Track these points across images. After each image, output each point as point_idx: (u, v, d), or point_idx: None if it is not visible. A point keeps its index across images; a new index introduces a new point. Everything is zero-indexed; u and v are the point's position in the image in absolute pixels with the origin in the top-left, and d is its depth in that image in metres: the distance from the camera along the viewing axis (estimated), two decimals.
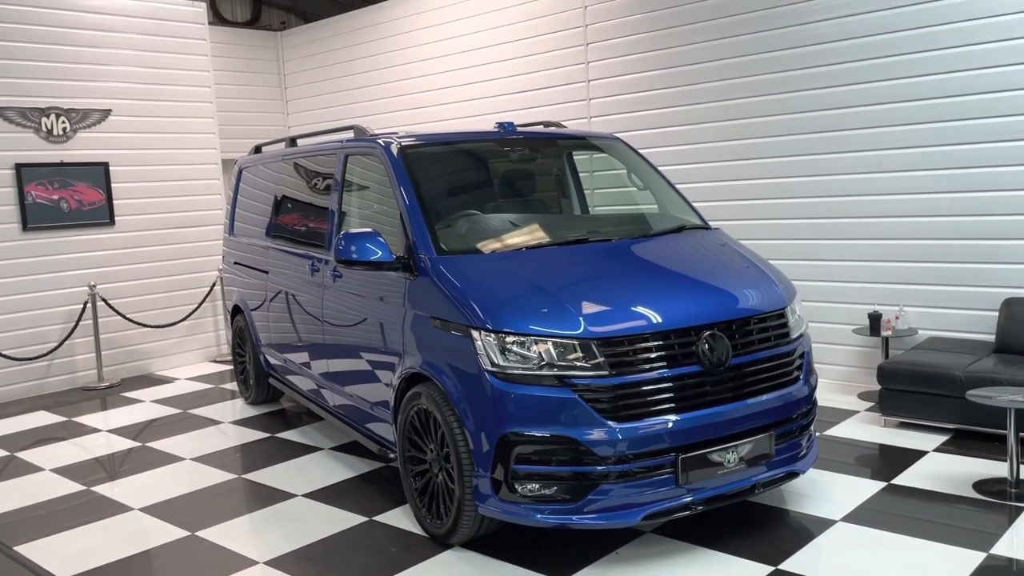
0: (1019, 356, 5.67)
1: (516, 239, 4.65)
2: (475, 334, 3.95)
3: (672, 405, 3.89)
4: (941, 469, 5.01)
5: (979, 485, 4.71)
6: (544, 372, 3.82)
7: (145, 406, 7.71)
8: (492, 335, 3.90)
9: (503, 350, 3.88)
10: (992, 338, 6.10)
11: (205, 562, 4.32)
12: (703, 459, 3.91)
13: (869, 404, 6.38)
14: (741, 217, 7.18)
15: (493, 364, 3.88)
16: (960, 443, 5.44)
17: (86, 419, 7.36)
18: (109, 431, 6.93)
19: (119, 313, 8.73)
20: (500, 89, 8.92)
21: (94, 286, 8.53)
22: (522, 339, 3.86)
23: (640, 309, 3.99)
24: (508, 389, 3.84)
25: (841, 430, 5.83)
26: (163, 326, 9.13)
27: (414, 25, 9.77)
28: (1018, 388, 4.68)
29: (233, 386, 8.26)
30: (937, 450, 5.34)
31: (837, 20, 6.59)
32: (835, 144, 6.71)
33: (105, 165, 8.71)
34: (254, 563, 4.26)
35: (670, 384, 3.89)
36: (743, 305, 4.20)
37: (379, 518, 4.73)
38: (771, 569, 3.88)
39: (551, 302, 3.97)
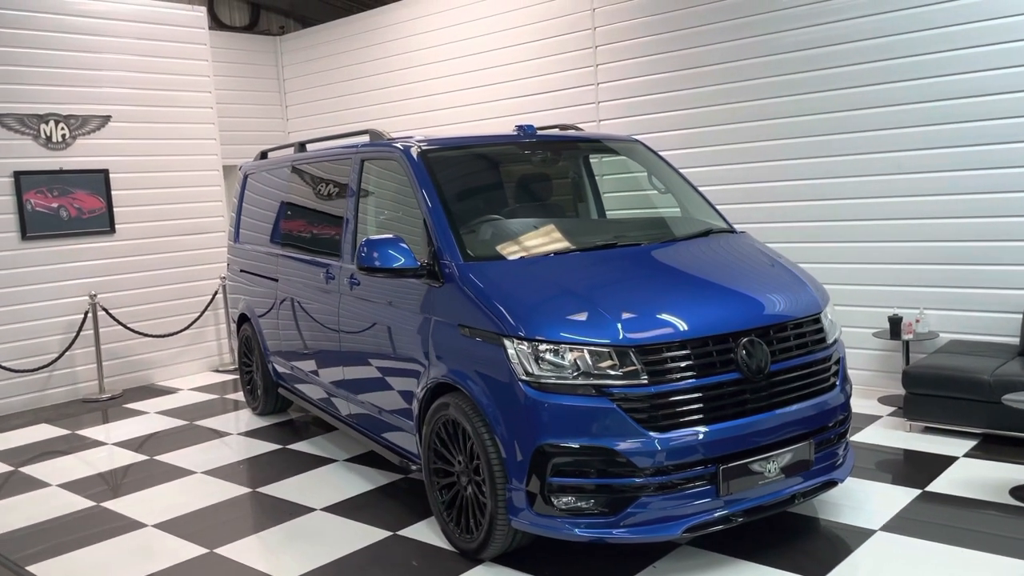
0: None
1: (543, 244, 4.54)
2: (507, 342, 3.83)
3: (712, 414, 3.78)
4: (974, 475, 4.92)
5: (1016, 491, 4.62)
6: (580, 381, 3.70)
7: (149, 418, 7.55)
8: (525, 343, 3.78)
9: (537, 359, 3.76)
10: (1014, 340, 6.02)
11: None
12: (744, 469, 3.80)
13: (891, 408, 6.29)
14: (755, 220, 7.09)
15: (527, 373, 3.76)
16: (989, 448, 5.35)
17: (89, 432, 7.19)
18: (114, 444, 6.77)
19: (120, 323, 8.57)
20: (507, 92, 8.82)
21: (95, 295, 8.36)
22: (557, 347, 3.75)
23: (676, 315, 3.88)
24: (543, 399, 3.72)
25: (866, 436, 5.73)
26: (165, 335, 8.96)
27: (417, 29, 9.66)
28: None
29: (238, 396, 8.10)
30: (967, 455, 5.25)
31: (853, 21, 6.52)
32: (852, 146, 6.63)
33: (105, 172, 8.55)
34: None
35: (709, 392, 3.78)
36: (780, 310, 4.10)
37: (403, 532, 4.60)
38: None
39: (586, 309, 3.85)
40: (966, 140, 6.13)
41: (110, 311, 8.52)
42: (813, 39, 6.71)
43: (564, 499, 3.74)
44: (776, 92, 6.95)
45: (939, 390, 5.55)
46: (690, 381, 3.76)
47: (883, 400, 6.50)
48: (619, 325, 3.77)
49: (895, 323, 6.30)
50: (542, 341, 3.77)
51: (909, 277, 6.49)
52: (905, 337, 6.23)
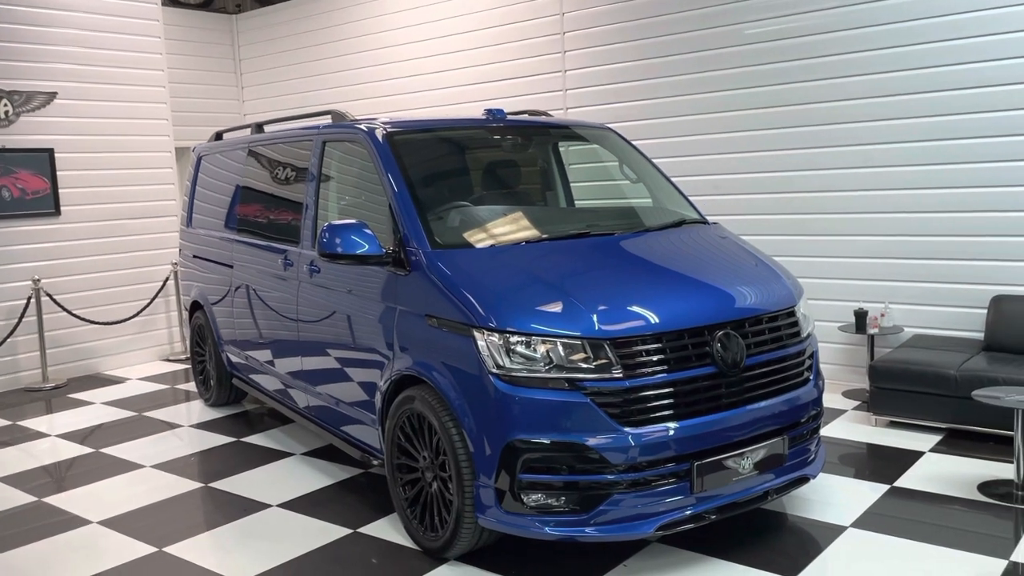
0: (1010, 354, 5.61)
1: (513, 232, 4.39)
2: (477, 334, 3.68)
3: (686, 409, 3.67)
4: (941, 470, 4.90)
5: (984, 487, 4.60)
6: (553, 375, 3.57)
7: (95, 408, 7.25)
8: (496, 335, 3.63)
9: (508, 351, 3.61)
10: (977, 335, 6.04)
11: None
12: (718, 465, 3.71)
13: (856, 403, 6.28)
14: (721, 212, 7.02)
15: (498, 366, 3.61)
16: (954, 443, 5.35)
17: (31, 422, 6.87)
18: (57, 436, 6.47)
19: (65, 309, 8.22)
20: (472, 77, 8.63)
21: (38, 280, 8.00)
22: (530, 339, 3.60)
23: (651, 307, 3.75)
24: (515, 393, 3.57)
25: (832, 430, 5.70)
26: (112, 323, 8.62)
27: (380, 10, 9.42)
28: None
29: (189, 387, 7.83)
30: (933, 450, 5.24)
31: (820, 12, 6.46)
32: (820, 139, 6.59)
33: (50, 151, 8.18)
34: None
35: (684, 387, 3.67)
36: (755, 303, 4.01)
37: (364, 530, 4.42)
38: None
39: (559, 300, 3.71)
40: (934, 135, 6.11)
41: (54, 297, 8.17)
42: (783, 30, 6.65)
43: (534, 496, 3.61)
44: (745, 83, 6.87)
45: (905, 385, 5.53)
46: (665, 375, 3.64)
47: (847, 394, 6.49)
48: (594, 317, 3.63)
49: (860, 317, 6.27)
50: (513, 333, 3.62)
51: (873, 271, 6.48)
52: (871, 331, 6.21)
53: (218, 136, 7.00)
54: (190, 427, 6.51)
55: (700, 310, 3.84)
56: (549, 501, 3.61)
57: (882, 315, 6.28)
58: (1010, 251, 5.90)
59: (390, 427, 4.22)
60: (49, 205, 8.20)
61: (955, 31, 5.95)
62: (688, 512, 3.67)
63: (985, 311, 5.96)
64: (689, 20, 7.09)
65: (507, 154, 5.26)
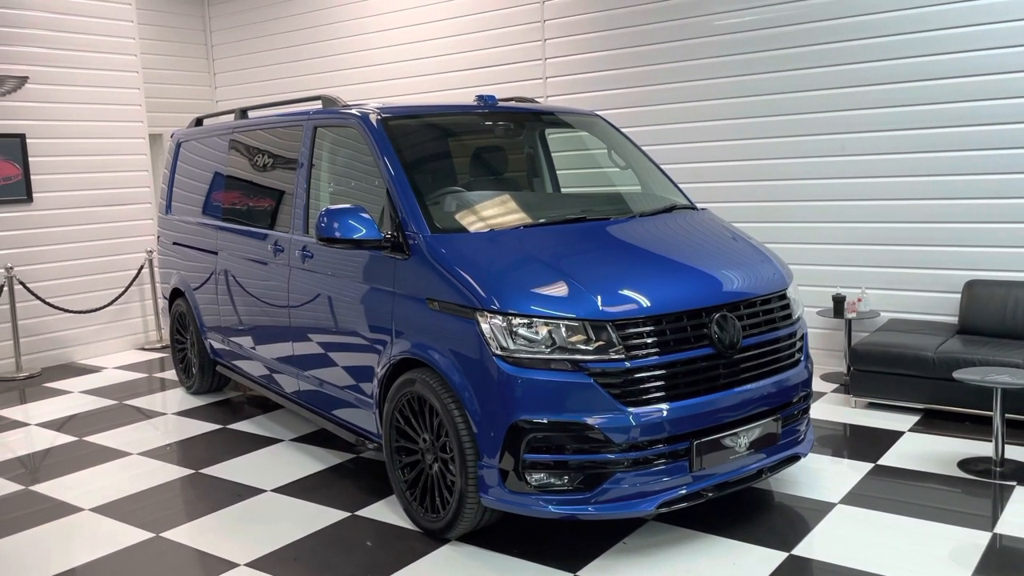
0: (983, 336, 5.79)
1: (511, 217, 4.43)
2: (480, 317, 3.72)
3: (686, 389, 3.75)
4: (922, 449, 5.06)
5: (964, 464, 4.76)
6: (557, 356, 3.62)
7: (73, 397, 7.15)
8: (500, 317, 3.68)
9: (512, 333, 3.66)
10: (951, 319, 6.22)
11: (178, 566, 3.96)
12: (716, 444, 3.80)
13: (835, 385, 6.43)
14: (702, 199, 7.12)
15: (502, 348, 3.66)
16: (931, 422, 5.51)
17: (9, 412, 6.77)
18: (37, 424, 6.38)
19: (38, 297, 8.08)
20: (450, 65, 8.63)
21: (11, 268, 7.86)
22: (533, 321, 3.65)
23: (651, 290, 3.83)
24: (518, 374, 3.62)
25: (813, 412, 5.82)
26: (87, 311, 8.50)
27: None
28: (1003, 368, 4.75)
29: (167, 375, 7.76)
30: (912, 430, 5.39)
31: (800, 3, 6.58)
32: (797, 127, 6.72)
33: (22, 137, 8.02)
34: (234, 565, 3.93)
35: (683, 367, 3.75)
36: (749, 286, 4.10)
37: (362, 512, 4.44)
38: (785, 555, 3.80)
39: (562, 282, 3.76)
40: (909, 123, 6.27)
41: (28, 285, 8.03)
42: (761, 20, 6.75)
43: (537, 476, 3.67)
44: (723, 72, 6.97)
45: (885, 367, 5.68)
46: (665, 356, 3.72)
47: (825, 377, 6.64)
48: (597, 299, 3.70)
49: (839, 302, 6.42)
50: (517, 315, 3.67)
51: (850, 257, 6.63)
52: (848, 316, 6.36)
53: (198, 122, 6.93)
54: (173, 415, 6.46)
55: (697, 293, 3.92)
56: (552, 480, 3.67)
57: (859, 300, 6.43)
58: (982, 237, 6.08)
59: (388, 410, 4.25)
60: (21, 192, 8.05)
61: (927, 23, 6.10)
62: (687, 490, 3.76)
63: (959, 296, 6.15)
64: (668, 9, 7.17)
65: (500, 139, 5.29)
